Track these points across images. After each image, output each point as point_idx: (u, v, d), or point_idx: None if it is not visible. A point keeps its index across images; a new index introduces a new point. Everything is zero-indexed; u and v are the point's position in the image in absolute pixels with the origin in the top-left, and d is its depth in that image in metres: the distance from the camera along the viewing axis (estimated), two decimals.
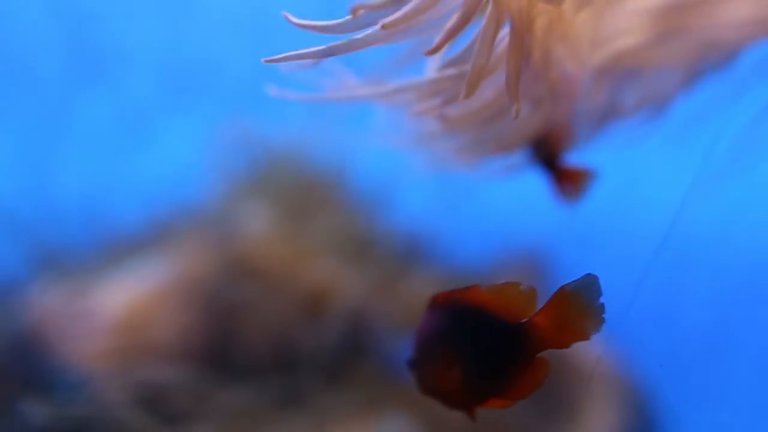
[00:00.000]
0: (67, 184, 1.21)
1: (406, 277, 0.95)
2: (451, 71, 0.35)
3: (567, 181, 0.46)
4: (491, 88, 0.35)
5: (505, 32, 0.33)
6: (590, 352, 0.95)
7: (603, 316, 0.39)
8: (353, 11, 0.32)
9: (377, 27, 0.31)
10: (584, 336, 0.39)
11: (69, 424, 0.68)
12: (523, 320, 0.39)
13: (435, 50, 0.31)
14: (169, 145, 1.19)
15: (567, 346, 0.40)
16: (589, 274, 0.39)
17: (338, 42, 0.32)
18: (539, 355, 0.40)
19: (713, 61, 0.48)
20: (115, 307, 0.92)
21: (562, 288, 0.39)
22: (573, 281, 0.39)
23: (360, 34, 0.33)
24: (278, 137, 1.05)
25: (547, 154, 0.44)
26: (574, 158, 0.47)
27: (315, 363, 0.81)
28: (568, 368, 0.93)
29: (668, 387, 0.94)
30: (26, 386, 0.77)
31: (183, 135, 1.16)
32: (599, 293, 0.39)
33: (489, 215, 1.13)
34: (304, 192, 1.03)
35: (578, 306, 0.39)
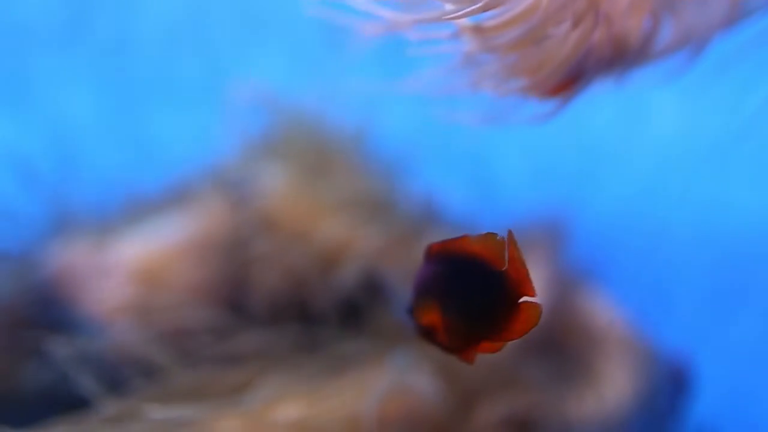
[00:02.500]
0: (89, 143, 1.20)
1: (422, 236, 0.93)
2: None
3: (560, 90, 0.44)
4: None
5: None
6: (606, 315, 0.93)
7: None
8: None
9: None
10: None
11: (93, 365, 0.67)
12: (503, 268, 0.39)
13: None
14: (185, 106, 1.18)
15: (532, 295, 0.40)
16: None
17: None
18: (528, 299, 0.40)
19: None
20: (134, 261, 0.91)
21: (512, 244, 0.39)
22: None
23: None
24: (296, 98, 1.03)
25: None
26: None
27: (331, 314, 0.80)
28: (585, 332, 0.92)
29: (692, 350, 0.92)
30: (50, 334, 0.75)
31: (199, 97, 1.15)
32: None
33: (510, 182, 1.11)
34: (321, 153, 1.02)
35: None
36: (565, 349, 0.90)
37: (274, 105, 1.01)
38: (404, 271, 0.86)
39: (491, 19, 0.35)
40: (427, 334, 0.44)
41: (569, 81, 0.42)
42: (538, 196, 1.07)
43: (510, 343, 0.86)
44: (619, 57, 0.42)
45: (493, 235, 0.40)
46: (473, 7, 0.33)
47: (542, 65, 0.38)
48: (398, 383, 0.66)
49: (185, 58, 1.22)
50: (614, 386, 0.86)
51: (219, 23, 1.23)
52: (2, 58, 1.23)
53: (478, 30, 0.35)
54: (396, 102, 0.94)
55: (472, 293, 0.40)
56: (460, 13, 0.34)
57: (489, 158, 1.12)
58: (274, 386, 0.65)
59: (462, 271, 0.40)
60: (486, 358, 0.82)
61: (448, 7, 0.34)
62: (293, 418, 0.61)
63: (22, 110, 1.22)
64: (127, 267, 0.90)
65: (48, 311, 0.88)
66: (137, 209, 1.01)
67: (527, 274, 0.39)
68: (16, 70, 1.23)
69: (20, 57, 1.24)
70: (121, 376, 0.70)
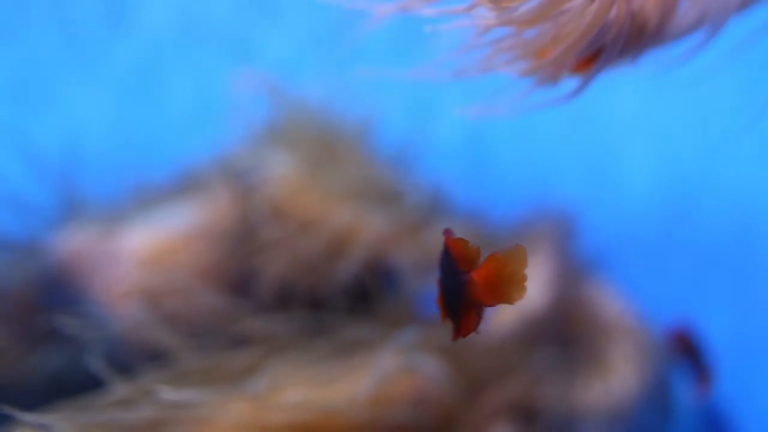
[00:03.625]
0: (98, 132, 1.19)
1: (428, 224, 0.93)
2: None
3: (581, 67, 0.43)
4: None
5: None
6: (614, 305, 0.92)
7: (525, 285, 0.39)
8: None
9: None
10: (509, 300, 0.40)
11: (102, 350, 0.67)
12: (467, 273, 0.41)
13: None
14: (191, 95, 1.17)
15: (493, 305, 0.41)
16: (518, 245, 0.40)
17: None
18: (478, 306, 0.41)
19: None
20: (143, 247, 0.90)
21: (492, 254, 0.40)
22: (503, 249, 0.40)
23: None
24: (303, 87, 1.03)
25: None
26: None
27: (338, 299, 0.79)
28: (593, 322, 0.91)
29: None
30: (59, 320, 0.75)
31: (206, 85, 1.15)
32: (524, 264, 0.39)
33: (519, 173, 1.10)
34: (328, 143, 1.01)
35: (505, 272, 0.40)
36: (574, 338, 0.90)
37: (280, 94, 1.01)
38: (410, 259, 0.86)
39: None
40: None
41: (588, 59, 0.41)
42: (547, 187, 1.07)
43: (519, 331, 0.85)
44: (637, 35, 0.41)
45: (464, 241, 0.41)
46: None
47: (559, 40, 0.37)
48: (405, 365, 0.65)
49: (194, 43, 1.21)
50: (621, 375, 0.85)
51: (227, 9, 1.22)
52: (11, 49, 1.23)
53: (494, 1, 0.34)
54: (405, 91, 0.93)
55: (449, 288, 0.42)
56: None
57: (497, 148, 1.12)
58: (282, 370, 0.64)
59: (447, 265, 0.42)
60: (495, 346, 0.81)
61: None
62: (300, 401, 0.60)
63: (31, 100, 1.22)
64: (136, 254, 0.89)
65: (58, 297, 0.87)
66: (146, 197, 1.00)
67: (495, 286, 0.40)
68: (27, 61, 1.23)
69: (29, 49, 1.23)
70: (130, 361, 0.70)
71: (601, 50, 0.39)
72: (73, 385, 0.65)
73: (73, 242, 0.91)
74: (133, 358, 0.71)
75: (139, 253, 0.89)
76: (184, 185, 1.00)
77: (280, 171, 0.94)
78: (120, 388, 0.61)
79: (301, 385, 0.63)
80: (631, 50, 0.44)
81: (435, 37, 0.47)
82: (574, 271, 0.93)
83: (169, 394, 0.59)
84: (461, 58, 0.46)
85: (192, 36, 1.22)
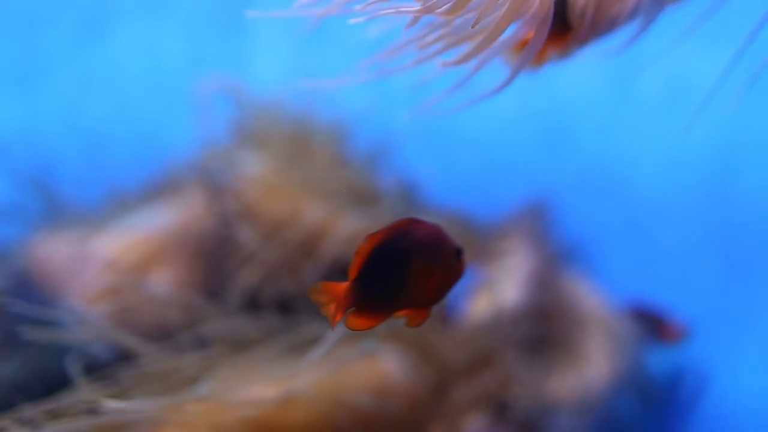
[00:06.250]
0: (74, 137, 1.19)
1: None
2: None
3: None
4: None
5: None
6: (589, 297, 0.91)
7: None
8: None
9: None
10: None
11: (71, 353, 0.65)
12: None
13: None
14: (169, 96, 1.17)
15: None
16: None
17: None
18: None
19: None
20: (114, 251, 0.89)
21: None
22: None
23: None
24: (277, 89, 1.01)
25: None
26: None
27: (308, 299, 0.78)
28: (568, 313, 0.90)
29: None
30: (22, 323, 0.73)
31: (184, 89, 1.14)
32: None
33: (496, 167, 1.09)
34: (301, 143, 1.00)
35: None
36: (549, 330, 0.89)
37: (254, 97, 1.00)
38: None
39: None
40: None
41: (518, 46, 0.40)
42: (523, 180, 1.06)
43: (495, 325, 0.84)
44: (575, 25, 0.40)
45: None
46: None
47: (483, 28, 0.36)
48: (363, 353, 0.64)
49: (171, 47, 1.20)
50: (595, 365, 0.84)
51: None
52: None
53: None
54: (380, 89, 0.92)
55: None
56: None
57: (470, 144, 1.11)
58: (245, 367, 0.63)
59: None
60: (467, 338, 0.80)
61: None
62: (255, 397, 0.59)
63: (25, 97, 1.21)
64: (110, 257, 0.88)
65: (30, 301, 0.86)
66: (120, 201, 0.99)
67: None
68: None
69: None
70: (100, 362, 0.69)
71: (529, 38, 0.38)
72: (35, 389, 0.64)
73: (46, 246, 0.90)
74: (103, 359, 0.70)
75: (113, 256, 0.88)
76: (158, 188, 0.99)
77: (253, 171, 0.93)
78: (80, 393, 0.60)
79: (262, 381, 0.62)
80: (570, 40, 0.42)
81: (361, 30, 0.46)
82: (550, 265, 0.92)
83: (119, 403, 0.57)
84: (396, 53, 0.45)
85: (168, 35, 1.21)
